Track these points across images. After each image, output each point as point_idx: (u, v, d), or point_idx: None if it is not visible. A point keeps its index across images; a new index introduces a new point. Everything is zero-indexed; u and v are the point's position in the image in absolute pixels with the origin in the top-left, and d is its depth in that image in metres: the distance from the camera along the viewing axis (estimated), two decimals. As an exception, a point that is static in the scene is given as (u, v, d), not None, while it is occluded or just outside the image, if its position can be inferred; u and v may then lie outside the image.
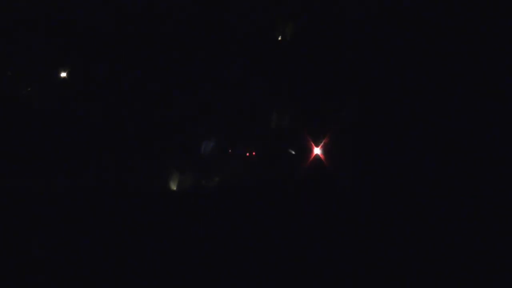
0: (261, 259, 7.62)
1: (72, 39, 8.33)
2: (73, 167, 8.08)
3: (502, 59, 7.60)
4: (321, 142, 7.91)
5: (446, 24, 7.75)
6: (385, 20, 7.90)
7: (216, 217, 7.87)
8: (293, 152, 8.05)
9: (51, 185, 7.94)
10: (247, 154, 8.16)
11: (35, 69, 8.30)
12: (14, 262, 7.44)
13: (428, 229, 7.36)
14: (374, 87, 7.90)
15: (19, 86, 8.27)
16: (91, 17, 8.27)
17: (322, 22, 8.07)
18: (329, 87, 8.03)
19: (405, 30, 7.85)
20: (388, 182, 7.70)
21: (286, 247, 7.66)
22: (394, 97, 7.82)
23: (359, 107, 7.93)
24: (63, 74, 8.29)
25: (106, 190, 7.93)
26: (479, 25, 7.66)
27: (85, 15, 8.28)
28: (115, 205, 7.88)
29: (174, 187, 8.04)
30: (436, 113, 7.68)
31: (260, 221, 7.83)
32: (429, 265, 7.21)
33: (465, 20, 7.70)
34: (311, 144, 7.92)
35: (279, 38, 8.21)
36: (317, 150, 7.92)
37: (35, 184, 7.89)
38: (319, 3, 8.07)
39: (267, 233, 7.76)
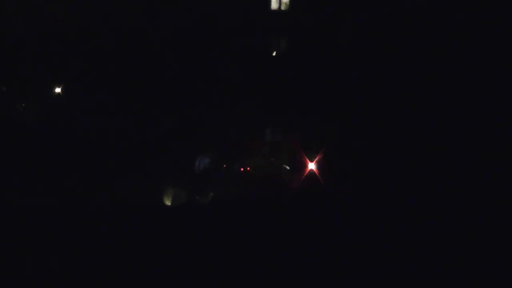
0: (255, 274, 7.58)
1: (66, 54, 8.35)
2: (67, 182, 8.04)
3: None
4: (315, 158, 7.95)
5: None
6: (379, 30, 7.99)
7: (211, 232, 7.84)
8: (288, 168, 8.08)
9: (46, 200, 7.89)
10: (242, 169, 8.17)
11: (29, 85, 8.31)
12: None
13: (429, 239, 7.38)
14: (369, 101, 7.98)
15: (13, 102, 8.27)
16: (85, 29, 8.31)
17: (317, 35, 8.16)
18: (324, 101, 8.10)
19: (401, 38, 7.95)
20: (383, 195, 7.72)
21: (280, 262, 7.63)
22: (389, 110, 7.89)
23: (353, 122, 7.99)
24: (58, 90, 8.31)
25: (101, 205, 7.89)
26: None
27: (80, 26, 8.31)
28: (109, 220, 7.83)
29: (168, 202, 8.02)
30: (432, 126, 7.75)
31: (255, 236, 7.81)
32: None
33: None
34: (306, 160, 7.95)
35: (274, 54, 8.30)
36: (311, 166, 7.95)
37: (29, 198, 7.84)
38: (311, 16, 8.17)
39: (262, 248, 7.73)
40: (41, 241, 7.66)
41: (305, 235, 7.65)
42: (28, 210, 7.79)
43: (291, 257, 7.55)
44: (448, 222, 7.35)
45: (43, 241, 7.66)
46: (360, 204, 7.69)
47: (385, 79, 7.79)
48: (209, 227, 7.90)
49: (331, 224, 7.68)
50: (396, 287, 7.06)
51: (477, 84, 7.70)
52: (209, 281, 7.47)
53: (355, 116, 7.91)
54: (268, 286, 7.39)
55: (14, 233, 7.63)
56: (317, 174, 7.90)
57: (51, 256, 7.55)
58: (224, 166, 8.11)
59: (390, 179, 7.70)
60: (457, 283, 6.94)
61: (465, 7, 7.74)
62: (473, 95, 7.68)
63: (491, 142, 7.53)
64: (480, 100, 7.66)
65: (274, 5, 8.21)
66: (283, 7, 8.16)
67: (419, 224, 7.44)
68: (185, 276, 7.51)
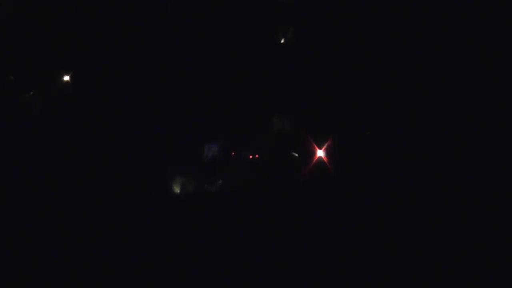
0: (264, 261, 7.59)
1: (74, 43, 8.34)
2: (76, 171, 8.05)
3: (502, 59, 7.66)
4: (324, 145, 7.92)
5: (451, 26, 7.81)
6: (390, 20, 7.94)
7: (219, 220, 7.84)
8: (296, 155, 8.06)
9: (54, 189, 7.91)
10: (250, 157, 8.16)
11: (37, 73, 8.30)
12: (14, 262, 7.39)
13: (434, 230, 7.36)
14: (377, 88, 7.93)
15: (21, 90, 8.26)
16: (93, 21, 8.28)
17: (325, 24, 8.11)
18: (332, 89, 8.06)
19: (411, 30, 7.90)
20: (391, 184, 7.70)
21: (289, 249, 7.63)
22: (399, 98, 7.85)
23: (362, 108, 7.96)
24: (66, 78, 8.29)
25: (110, 193, 7.90)
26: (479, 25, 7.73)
27: (87, 18, 8.29)
28: (118, 208, 7.85)
29: (177, 190, 8.03)
30: (442, 113, 7.71)
31: (263, 224, 7.80)
32: (435, 266, 7.21)
33: (466, 20, 7.76)
34: (314, 147, 7.92)
35: (282, 41, 8.25)
36: (320, 153, 7.92)
37: (38, 188, 7.86)
38: (322, 5, 8.11)
39: (270, 236, 7.73)
40: (54, 229, 7.69)
41: (314, 224, 7.65)
42: (36, 200, 7.81)
43: (299, 246, 7.55)
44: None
45: (56, 229, 7.70)
46: (369, 192, 7.67)
47: (398, 67, 7.74)
48: (218, 215, 7.90)
49: (339, 213, 7.67)
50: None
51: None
52: (218, 270, 7.49)
53: (365, 104, 7.87)
54: (276, 275, 7.41)
55: (26, 224, 7.67)
56: (326, 161, 7.87)
57: (62, 245, 7.59)
58: (233, 154, 8.09)
59: (401, 168, 7.67)
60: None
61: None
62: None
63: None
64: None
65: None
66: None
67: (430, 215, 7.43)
68: (194, 264, 7.53)
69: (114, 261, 7.54)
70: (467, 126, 7.63)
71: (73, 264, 7.43)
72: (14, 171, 7.94)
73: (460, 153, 7.60)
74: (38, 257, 7.41)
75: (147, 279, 7.47)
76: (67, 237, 7.59)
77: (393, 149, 7.82)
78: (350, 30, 8.04)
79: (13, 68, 8.30)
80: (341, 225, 7.65)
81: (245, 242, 7.72)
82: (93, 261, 7.48)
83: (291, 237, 7.69)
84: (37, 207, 7.79)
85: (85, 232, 7.67)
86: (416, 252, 7.24)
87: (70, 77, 8.29)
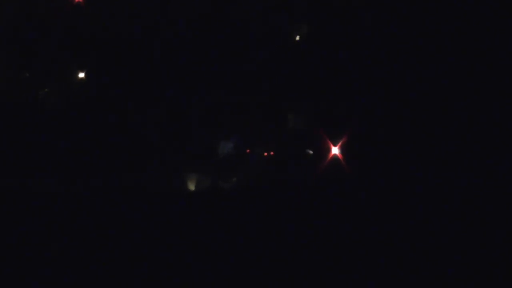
0: (278, 259, 7.60)
1: (89, 40, 8.35)
2: (90, 169, 8.07)
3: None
4: (339, 142, 7.91)
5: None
6: (403, 19, 7.93)
7: (234, 217, 7.85)
8: (311, 152, 8.05)
9: (67, 185, 7.93)
10: (265, 154, 8.16)
11: (52, 70, 8.31)
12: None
13: (451, 232, 7.36)
14: (393, 86, 7.92)
15: (36, 87, 8.29)
16: (108, 18, 8.29)
17: (340, 21, 8.09)
18: (347, 86, 8.05)
19: (425, 31, 7.89)
20: (406, 181, 7.70)
21: (303, 247, 7.64)
22: (414, 96, 7.84)
23: (377, 106, 7.94)
24: (81, 75, 8.31)
25: (124, 190, 7.92)
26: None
27: (102, 16, 8.30)
28: (133, 205, 7.87)
29: (192, 187, 8.03)
30: (460, 112, 7.71)
31: (278, 222, 7.81)
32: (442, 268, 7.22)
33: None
34: (329, 144, 7.91)
35: (297, 38, 8.23)
36: (335, 150, 7.91)
37: (51, 185, 7.88)
38: (338, 2, 8.10)
39: (285, 234, 7.74)
40: (67, 224, 7.73)
41: (328, 222, 7.65)
42: (48, 198, 7.84)
43: (314, 244, 7.56)
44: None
45: (70, 224, 7.73)
46: (385, 190, 7.67)
47: (415, 65, 7.73)
48: (232, 212, 7.91)
49: (354, 211, 7.67)
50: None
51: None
52: (233, 266, 7.50)
53: (380, 101, 7.86)
54: (290, 272, 7.42)
55: (41, 219, 7.70)
56: (341, 159, 7.86)
57: (76, 241, 7.62)
58: (247, 151, 8.09)
59: (416, 165, 7.66)
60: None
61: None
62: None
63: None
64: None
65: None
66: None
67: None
68: (209, 261, 7.54)
69: (128, 260, 7.57)
70: (482, 128, 7.63)
71: (89, 265, 7.47)
72: (27, 167, 7.97)
73: (477, 156, 7.59)
74: (56, 258, 7.45)
75: (161, 276, 7.50)
76: (85, 236, 7.63)
77: (409, 146, 7.80)
78: (366, 26, 8.01)
79: (28, 65, 8.32)
80: (357, 224, 7.65)
81: (259, 239, 7.74)
82: (106, 261, 7.52)
83: (306, 235, 7.70)
84: (51, 205, 7.82)
85: (99, 231, 7.70)
86: (435, 254, 7.26)
87: (85, 74, 8.30)
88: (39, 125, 8.17)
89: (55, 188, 7.84)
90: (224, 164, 8.14)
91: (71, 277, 7.40)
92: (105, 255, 7.58)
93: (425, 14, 7.92)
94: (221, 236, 7.75)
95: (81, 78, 8.30)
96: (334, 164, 7.88)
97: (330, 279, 7.39)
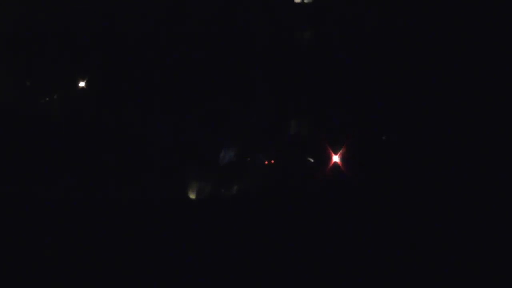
0: (279, 266, 7.61)
1: (90, 49, 8.37)
2: (91, 176, 8.09)
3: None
4: (339, 150, 7.92)
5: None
6: (410, 24, 7.94)
7: (235, 225, 7.86)
8: (312, 160, 8.06)
9: (69, 193, 7.94)
10: (266, 162, 8.17)
11: (53, 79, 8.33)
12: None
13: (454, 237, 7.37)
14: (395, 94, 7.93)
15: (37, 96, 8.30)
16: (109, 27, 8.31)
17: (342, 27, 8.10)
18: (348, 94, 8.06)
19: (425, 37, 7.90)
20: (407, 189, 7.70)
21: (305, 255, 7.65)
22: (418, 104, 7.85)
23: (379, 114, 7.95)
24: (82, 84, 8.32)
25: (125, 198, 7.94)
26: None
27: (103, 24, 8.32)
28: (134, 213, 7.88)
29: (193, 195, 8.04)
30: (461, 118, 7.72)
31: (279, 229, 7.82)
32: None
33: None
34: (330, 152, 7.92)
35: (298, 46, 8.24)
36: (335, 158, 7.92)
37: (53, 193, 7.89)
38: (340, 8, 8.11)
39: (286, 241, 7.75)
40: (69, 231, 7.74)
41: (329, 230, 7.66)
42: (51, 203, 7.86)
43: (314, 251, 7.57)
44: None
45: (72, 231, 7.74)
46: (386, 198, 7.67)
47: (418, 73, 7.74)
48: (233, 220, 7.92)
49: (354, 218, 7.68)
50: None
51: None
52: (234, 274, 7.51)
53: (382, 109, 7.87)
54: (292, 280, 7.42)
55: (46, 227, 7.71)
56: (342, 167, 7.87)
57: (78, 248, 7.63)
58: (248, 159, 8.11)
59: (418, 173, 7.67)
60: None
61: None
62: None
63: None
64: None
65: (297, -3, 8.17)
66: (306, 0, 8.12)
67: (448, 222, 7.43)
68: (210, 269, 7.55)
69: (127, 267, 7.58)
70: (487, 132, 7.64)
71: (90, 272, 7.48)
72: (28, 174, 7.98)
73: (481, 161, 7.60)
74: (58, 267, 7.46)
75: (163, 283, 7.50)
76: (87, 243, 7.64)
77: (410, 154, 7.81)
78: (368, 34, 8.03)
79: (29, 73, 8.34)
80: (357, 231, 7.65)
81: (260, 246, 7.74)
82: (107, 268, 7.53)
83: (306, 243, 7.70)
84: (52, 211, 7.83)
85: (100, 238, 7.71)
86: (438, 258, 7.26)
87: (86, 83, 8.32)
88: (41, 133, 8.18)
89: (57, 195, 7.85)
90: (225, 172, 8.16)
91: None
92: (106, 262, 7.59)
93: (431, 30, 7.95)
94: (223, 244, 7.76)
95: (82, 87, 8.32)
96: (334, 172, 7.89)
97: (331, 285, 7.40)
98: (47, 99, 8.31)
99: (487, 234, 7.25)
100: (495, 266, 7.02)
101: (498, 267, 7.01)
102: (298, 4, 8.20)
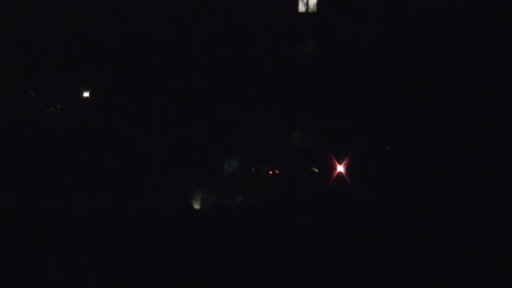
0: (282, 275, 7.58)
1: (94, 60, 8.37)
2: (95, 186, 8.07)
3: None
4: (344, 160, 7.92)
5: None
6: (414, 37, 7.96)
7: (239, 235, 7.84)
8: (316, 171, 8.06)
9: (73, 204, 7.92)
10: (270, 172, 8.16)
11: (57, 90, 8.34)
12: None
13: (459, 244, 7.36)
14: (400, 105, 7.94)
15: (41, 106, 8.30)
16: (114, 38, 8.32)
17: (346, 39, 8.11)
18: (352, 105, 8.07)
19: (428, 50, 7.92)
20: (412, 199, 7.70)
21: (309, 263, 7.63)
22: (422, 116, 7.86)
23: (382, 124, 7.96)
24: (86, 94, 8.32)
25: (130, 208, 7.92)
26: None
27: (108, 35, 8.32)
28: (137, 222, 7.86)
29: (197, 205, 8.04)
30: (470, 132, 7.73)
31: (283, 239, 7.80)
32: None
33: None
34: (334, 162, 7.92)
35: (302, 57, 8.25)
36: (340, 168, 7.92)
37: (57, 203, 7.88)
38: (344, 19, 8.12)
39: (290, 250, 7.73)
40: (73, 242, 7.70)
41: (334, 238, 7.64)
42: (56, 211, 7.83)
43: (319, 259, 7.55)
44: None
45: (76, 243, 7.70)
46: (389, 208, 7.67)
47: (422, 86, 7.75)
48: (238, 229, 7.90)
49: (359, 227, 7.67)
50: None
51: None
52: (239, 283, 7.48)
53: (384, 119, 7.88)
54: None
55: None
56: (346, 177, 7.87)
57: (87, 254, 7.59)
58: (252, 169, 8.11)
59: (422, 184, 7.67)
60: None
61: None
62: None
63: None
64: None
65: (301, 7, 8.16)
66: (310, 10, 8.12)
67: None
68: (215, 278, 7.51)
69: (130, 277, 7.54)
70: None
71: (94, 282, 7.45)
72: (33, 182, 7.97)
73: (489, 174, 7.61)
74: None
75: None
76: (91, 252, 7.60)
77: (414, 164, 7.81)
78: (372, 46, 8.04)
79: (33, 84, 8.34)
80: (361, 239, 7.64)
81: (265, 255, 7.72)
82: (111, 278, 7.50)
83: (311, 251, 7.69)
84: (54, 223, 7.81)
85: (104, 248, 7.68)
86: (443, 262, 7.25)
87: (90, 93, 8.32)
88: (45, 142, 8.18)
89: (60, 205, 7.84)
90: (230, 182, 8.15)
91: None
92: (109, 272, 7.56)
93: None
94: (227, 253, 7.74)
95: (86, 97, 8.32)
96: (339, 182, 7.89)
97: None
98: (51, 109, 8.31)
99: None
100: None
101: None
102: (300, 14, 8.22)
